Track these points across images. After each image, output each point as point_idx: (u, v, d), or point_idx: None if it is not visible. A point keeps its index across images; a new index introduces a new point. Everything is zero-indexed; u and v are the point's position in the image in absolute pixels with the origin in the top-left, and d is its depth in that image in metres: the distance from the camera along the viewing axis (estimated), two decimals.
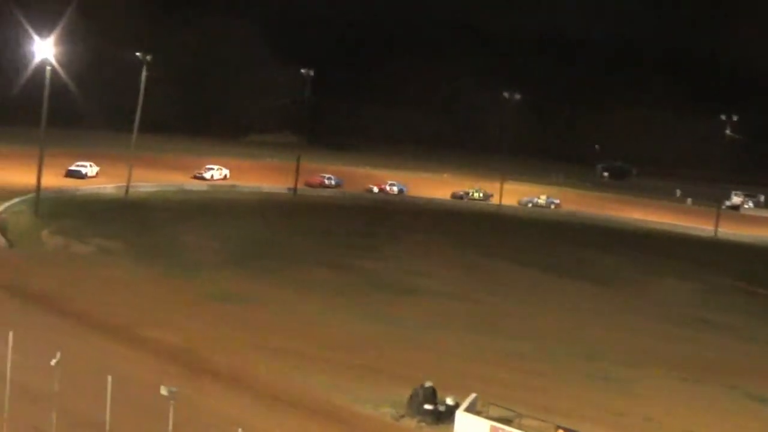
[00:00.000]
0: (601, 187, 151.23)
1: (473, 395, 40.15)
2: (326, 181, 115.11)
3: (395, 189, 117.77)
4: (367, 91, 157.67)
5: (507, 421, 38.15)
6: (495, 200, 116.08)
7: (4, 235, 70.48)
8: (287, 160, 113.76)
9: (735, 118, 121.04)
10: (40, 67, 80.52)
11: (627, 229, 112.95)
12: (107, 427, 29.18)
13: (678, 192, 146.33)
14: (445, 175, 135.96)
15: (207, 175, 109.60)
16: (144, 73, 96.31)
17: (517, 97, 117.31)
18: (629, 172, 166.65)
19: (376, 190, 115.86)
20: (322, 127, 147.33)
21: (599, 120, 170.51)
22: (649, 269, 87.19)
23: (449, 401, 40.10)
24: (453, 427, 38.82)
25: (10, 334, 31.30)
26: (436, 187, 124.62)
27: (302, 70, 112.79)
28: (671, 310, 70.70)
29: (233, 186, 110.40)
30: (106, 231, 75.95)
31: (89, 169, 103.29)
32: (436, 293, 67.21)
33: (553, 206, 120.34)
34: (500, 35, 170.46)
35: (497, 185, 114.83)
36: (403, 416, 40.34)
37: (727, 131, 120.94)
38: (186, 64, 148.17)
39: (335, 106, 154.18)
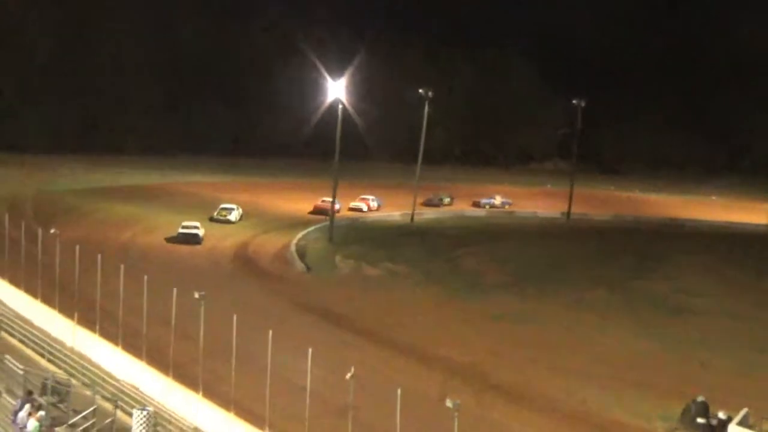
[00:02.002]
0: None
1: (745, 410, 38.99)
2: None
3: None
4: (636, 116, 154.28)
5: None
6: None
7: (303, 261, 73.44)
8: (562, 186, 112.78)
9: None
10: (333, 106, 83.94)
11: None
12: None
13: None
14: (713, 197, 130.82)
15: (231, 217, 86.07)
16: (426, 109, 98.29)
17: None
18: None
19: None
20: (593, 154, 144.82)
21: None
22: None
23: (721, 416, 39.13)
24: None
25: (309, 350, 32.45)
26: (703, 209, 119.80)
27: (573, 101, 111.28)
28: None
29: (510, 212, 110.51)
30: (393, 255, 77.44)
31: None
32: (709, 312, 64.24)
33: (506, 207, 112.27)
34: None
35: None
36: (675, 430, 40.03)
37: None
38: (465, 98, 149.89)
39: (606, 133, 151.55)
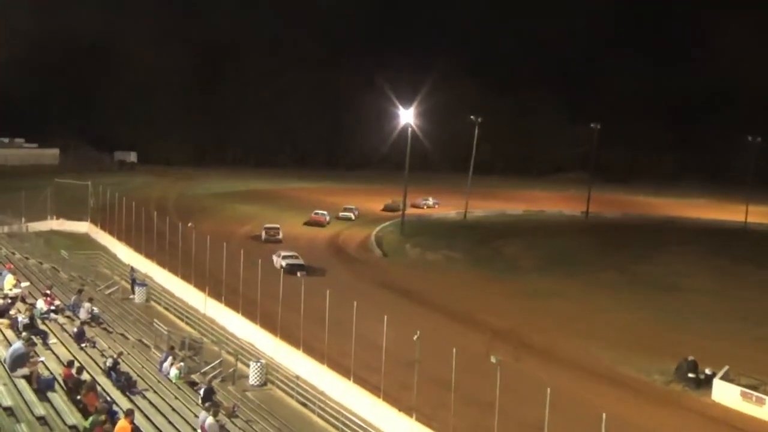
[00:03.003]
0: None
1: (726, 367, 38.71)
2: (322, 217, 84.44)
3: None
4: (642, 136, 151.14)
5: (754, 388, 36.53)
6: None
7: (381, 248, 73.28)
8: (582, 191, 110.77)
9: None
10: (404, 129, 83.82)
11: None
12: (452, 385, 29.32)
13: None
14: (701, 200, 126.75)
15: (280, 236, 71.09)
16: (476, 132, 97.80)
17: None
18: None
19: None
20: (608, 166, 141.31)
21: None
22: None
23: (708, 371, 38.81)
24: (711, 392, 37.79)
25: (385, 317, 32.27)
26: (692, 209, 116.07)
27: (591, 125, 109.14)
28: None
29: (541, 210, 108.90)
30: (450, 244, 76.86)
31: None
32: (696, 289, 62.69)
33: (436, 206, 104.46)
34: None
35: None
36: (670, 382, 39.47)
37: None
38: (507, 123, 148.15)
39: (619, 150, 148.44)
